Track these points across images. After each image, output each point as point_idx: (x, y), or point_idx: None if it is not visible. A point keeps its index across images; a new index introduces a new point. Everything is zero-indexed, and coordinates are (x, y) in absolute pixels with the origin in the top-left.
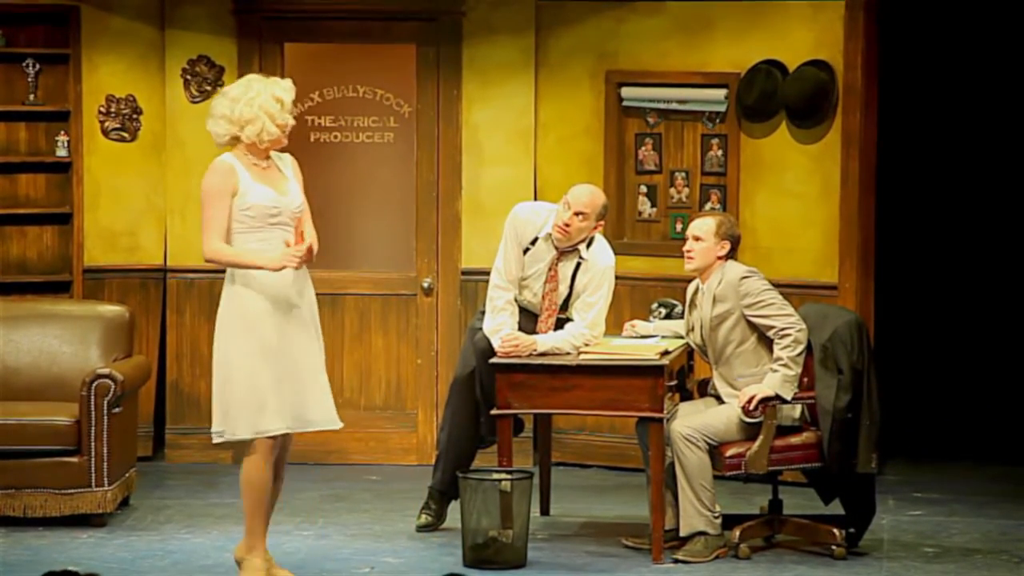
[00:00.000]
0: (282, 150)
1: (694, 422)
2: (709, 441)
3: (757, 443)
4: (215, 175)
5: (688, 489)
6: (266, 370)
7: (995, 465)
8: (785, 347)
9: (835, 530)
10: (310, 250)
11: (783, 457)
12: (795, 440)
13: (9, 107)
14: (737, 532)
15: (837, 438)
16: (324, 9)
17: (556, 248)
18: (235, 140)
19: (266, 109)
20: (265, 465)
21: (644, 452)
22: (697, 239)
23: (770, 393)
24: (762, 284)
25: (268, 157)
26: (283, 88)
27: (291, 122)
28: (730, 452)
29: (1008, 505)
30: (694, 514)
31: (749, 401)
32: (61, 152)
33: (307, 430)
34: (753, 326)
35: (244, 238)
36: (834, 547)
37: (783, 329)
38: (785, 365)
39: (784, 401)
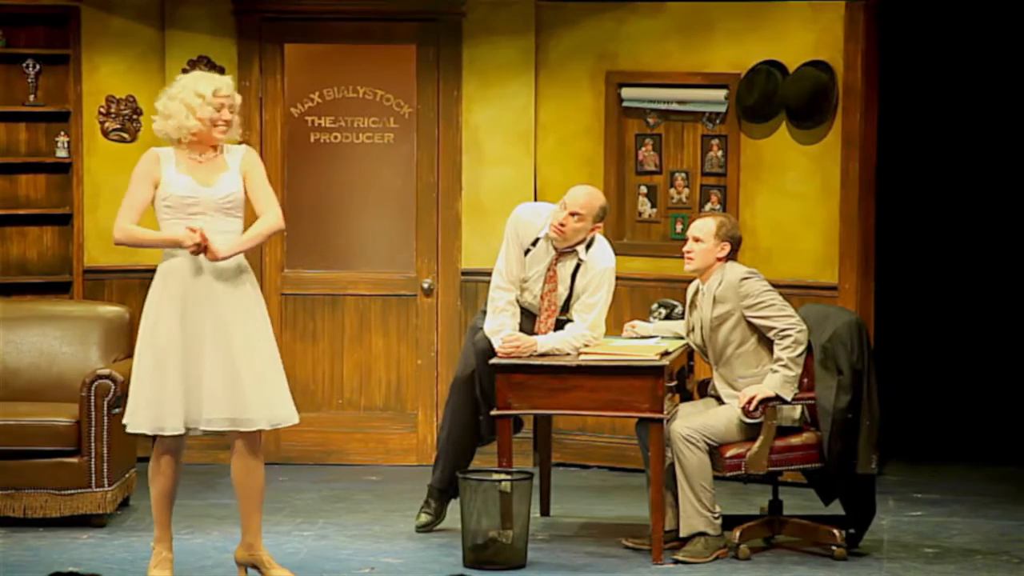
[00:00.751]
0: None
1: (694, 423)
2: (709, 442)
3: (757, 444)
4: (140, 163)
5: (688, 490)
6: (173, 369)
7: (995, 465)
8: (785, 348)
9: (835, 531)
10: (203, 239)
11: (783, 458)
12: (795, 441)
13: (9, 108)
14: (737, 533)
15: (837, 439)
16: (324, 10)
17: (555, 249)
18: (168, 136)
19: (187, 103)
20: (161, 461)
21: (644, 452)
22: (697, 240)
23: (770, 394)
24: (762, 285)
25: (212, 150)
26: (209, 81)
27: (214, 115)
28: (730, 453)
29: (1008, 506)
30: (694, 515)
31: (749, 402)
32: (61, 153)
33: (241, 429)
34: (753, 327)
35: (168, 228)
36: (834, 547)
37: (784, 330)
38: (785, 366)
39: (784, 402)
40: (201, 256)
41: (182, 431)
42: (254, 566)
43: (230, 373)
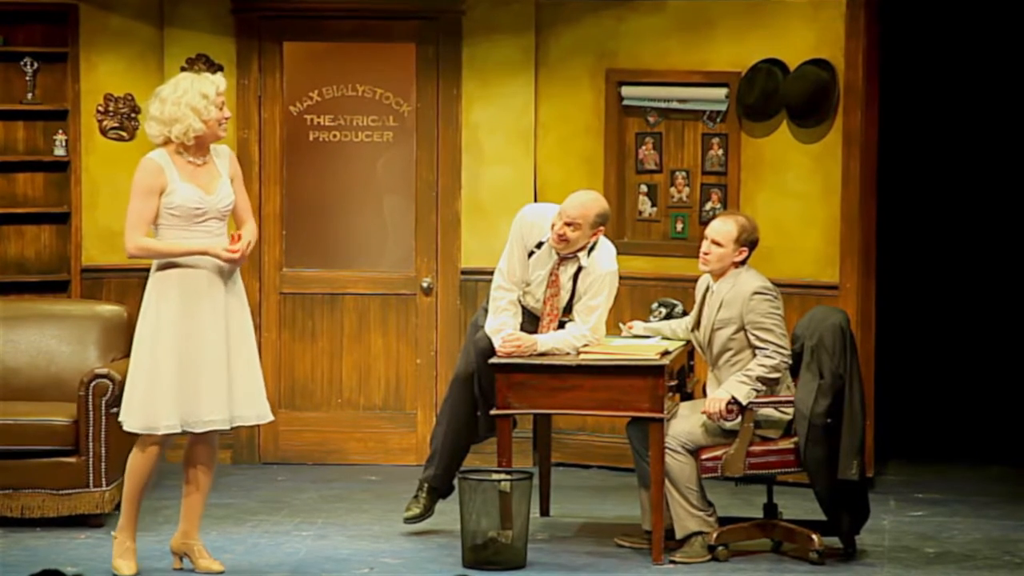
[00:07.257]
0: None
1: (670, 429)
2: (686, 447)
3: (733, 447)
4: (143, 173)
5: (675, 493)
6: (170, 368)
7: (996, 466)
8: (762, 365)
9: (813, 536)
10: (247, 245)
11: (761, 462)
12: (773, 445)
13: (7, 106)
14: (713, 535)
15: (814, 443)
16: (324, 8)
17: (557, 254)
18: (168, 140)
19: (192, 105)
20: (147, 458)
21: (635, 453)
22: (716, 243)
23: (727, 397)
24: (770, 306)
25: (206, 153)
26: (210, 82)
27: (216, 115)
28: (707, 455)
29: (1009, 506)
30: (686, 516)
31: (714, 413)
32: (59, 151)
33: (221, 427)
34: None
35: (172, 234)
36: (811, 553)
37: (770, 353)
38: (753, 377)
39: (742, 406)
40: (213, 260)
41: (174, 430)
42: (187, 554)
43: (248, 370)
